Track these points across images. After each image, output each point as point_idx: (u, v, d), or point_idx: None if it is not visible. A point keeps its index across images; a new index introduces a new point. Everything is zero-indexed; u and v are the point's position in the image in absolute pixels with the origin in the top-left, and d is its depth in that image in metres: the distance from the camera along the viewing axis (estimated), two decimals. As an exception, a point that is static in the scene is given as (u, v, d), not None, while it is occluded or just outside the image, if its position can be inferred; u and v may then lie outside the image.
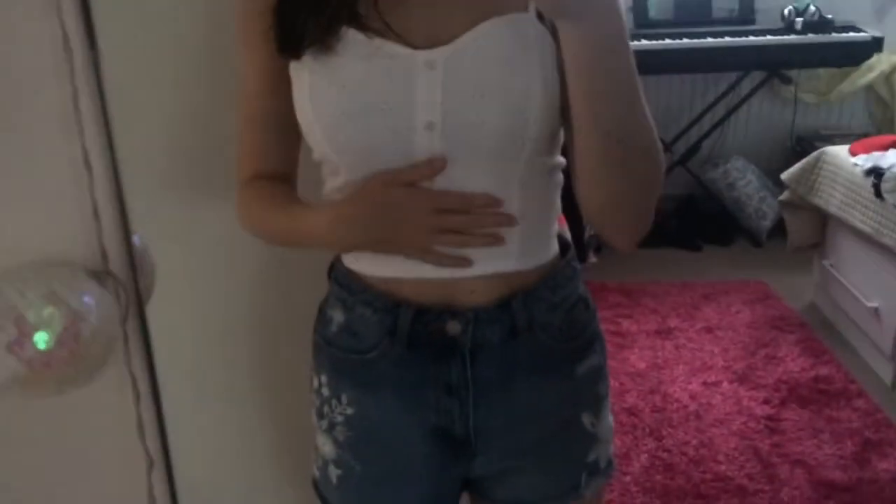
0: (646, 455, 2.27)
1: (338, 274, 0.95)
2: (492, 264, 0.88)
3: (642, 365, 2.74)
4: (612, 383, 2.62)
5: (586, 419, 0.96)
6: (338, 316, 0.94)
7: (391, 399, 0.92)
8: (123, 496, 0.39)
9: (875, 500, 2.06)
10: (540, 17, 0.81)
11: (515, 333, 0.90)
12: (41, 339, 0.35)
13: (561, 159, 0.91)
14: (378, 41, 0.80)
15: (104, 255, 0.37)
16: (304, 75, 0.83)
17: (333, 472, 0.97)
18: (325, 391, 0.96)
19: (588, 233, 3.53)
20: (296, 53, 0.83)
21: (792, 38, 3.41)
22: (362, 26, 0.80)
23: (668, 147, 3.69)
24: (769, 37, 3.43)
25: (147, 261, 0.43)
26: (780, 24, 3.51)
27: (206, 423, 1.13)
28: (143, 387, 0.38)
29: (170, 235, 0.76)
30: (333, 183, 0.89)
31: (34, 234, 0.37)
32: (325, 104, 0.81)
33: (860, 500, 2.06)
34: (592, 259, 3.58)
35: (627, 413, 2.47)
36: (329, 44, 0.80)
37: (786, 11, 3.49)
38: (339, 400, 0.94)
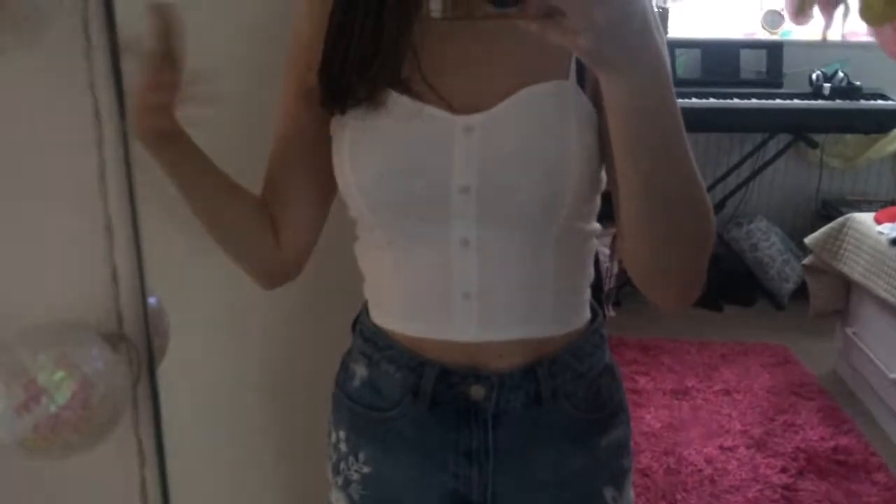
0: (658, 519, 2.23)
1: (363, 328, 0.94)
2: (525, 329, 0.86)
3: (657, 425, 2.70)
4: (626, 442, 2.59)
5: (608, 493, 0.93)
6: (361, 371, 0.92)
7: (410, 461, 0.90)
8: None
9: (893, 581, 2.00)
10: (580, 84, 0.81)
11: (539, 401, 0.87)
12: (51, 403, 0.35)
13: (596, 226, 0.90)
14: (420, 104, 0.80)
15: (119, 319, 0.38)
16: (346, 133, 0.83)
17: None
18: (343, 447, 0.94)
19: (607, 286, 3.52)
20: (340, 110, 0.83)
21: (819, 102, 3.42)
22: (406, 89, 0.81)
23: (691, 205, 3.68)
24: (796, 101, 3.43)
25: (163, 321, 0.43)
26: (807, 89, 3.52)
27: (211, 489, 1.12)
28: (149, 451, 0.38)
29: (188, 296, 0.77)
30: (368, 240, 0.90)
31: (51, 296, 0.38)
32: (364, 163, 0.82)
33: (878, 579, 2.00)
34: (611, 313, 3.56)
35: (640, 474, 2.42)
36: (373, 104, 0.81)
37: (814, 76, 3.50)
38: (356, 457, 0.92)
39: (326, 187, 0.91)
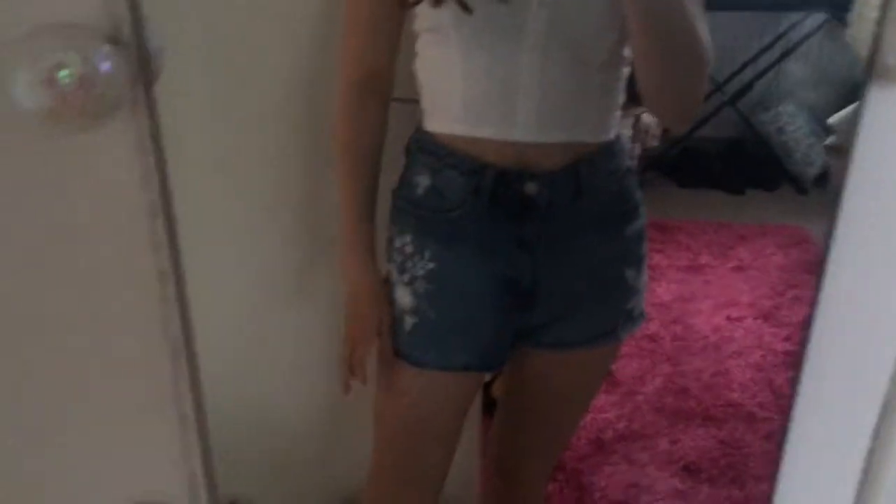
0: (660, 378, 2.34)
1: (423, 144, 1.08)
2: (572, 133, 1.02)
3: (668, 297, 2.78)
4: (636, 311, 2.68)
5: (629, 274, 1.12)
6: (424, 180, 1.06)
7: (470, 253, 1.06)
8: (123, 244, 0.47)
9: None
10: None
11: (580, 195, 1.03)
12: (65, 77, 0.42)
13: (629, 53, 1.03)
14: None
15: (119, 29, 0.45)
16: None
17: (409, 321, 1.10)
18: (409, 248, 1.09)
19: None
20: None
21: (858, -21, 3.31)
22: None
23: (719, 87, 3.64)
24: (834, -23, 3.33)
25: (156, 54, 0.50)
26: (847, -35, 3.40)
27: (210, 184, 1.25)
28: (148, 144, 0.45)
29: (183, 33, 0.84)
30: (439, 50, 1.02)
31: (64, 4, 0.45)
32: None
33: (867, 433, 2.10)
34: (632, 195, 3.60)
35: (648, 339, 2.52)
36: None
37: (854, -49, 3.37)
38: (422, 255, 1.07)
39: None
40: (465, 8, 0.94)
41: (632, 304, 1.15)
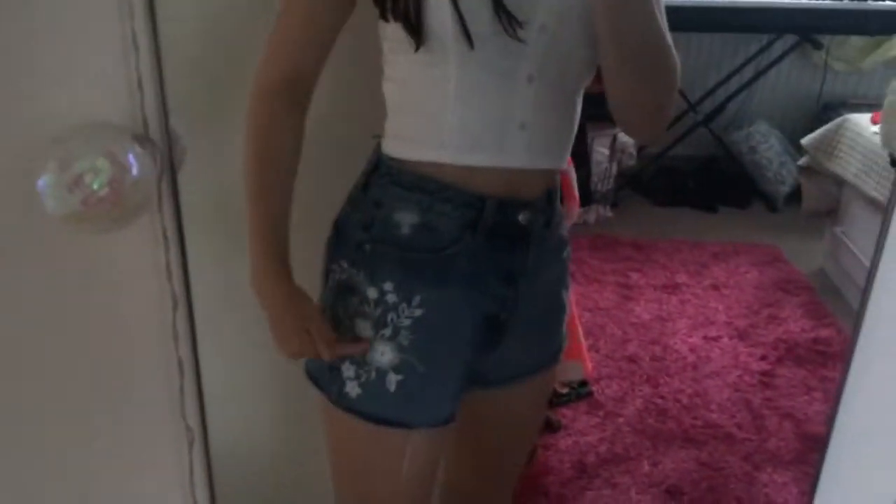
0: (640, 400, 2.36)
1: (401, 177, 0.98)
2: (552, 160, 1.01)
3: (646, 317, 2.81)
4: (615, 331, 2.72)
5: (564, 295, 1.13)
6: (410, 218, 0.97)
7: (459, 293, 0.99)
8: (149, 331, 0.47)
9: (857, 456, 2.14)
10: None
11: (550, 222, 1.04)
12: (95, 183, 0.42)
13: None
14: None
15: (146, 125, 0.45)
16: None
17: (393, 379, 0.99)
18: (392, 297, 0.98)
19: (605, 187, 3.58)
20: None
21: (827, 2, 3.38)
22: None
23: (692, 107, 3.70)
24: (804, 0, 3.40)
25: (178, 142, 0.50)
26: (816, -12, 3.47)
27: (226, 274, 1.18)
28: (172, 237, 0.45)
29: (203, 122, 0.82)
30: (429, 73, 0.94)
31: (92, 102, 0.45)
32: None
33: (843, 454, 2.14)
34: (608, 213, 3.65)
35: (627, 360, 2.55)
36: None
37: (823, -25, 3.45)
38: (408, 303, 0.98)
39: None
40: (470, 43, 0.89)
41: (565, 324, 1.16)
